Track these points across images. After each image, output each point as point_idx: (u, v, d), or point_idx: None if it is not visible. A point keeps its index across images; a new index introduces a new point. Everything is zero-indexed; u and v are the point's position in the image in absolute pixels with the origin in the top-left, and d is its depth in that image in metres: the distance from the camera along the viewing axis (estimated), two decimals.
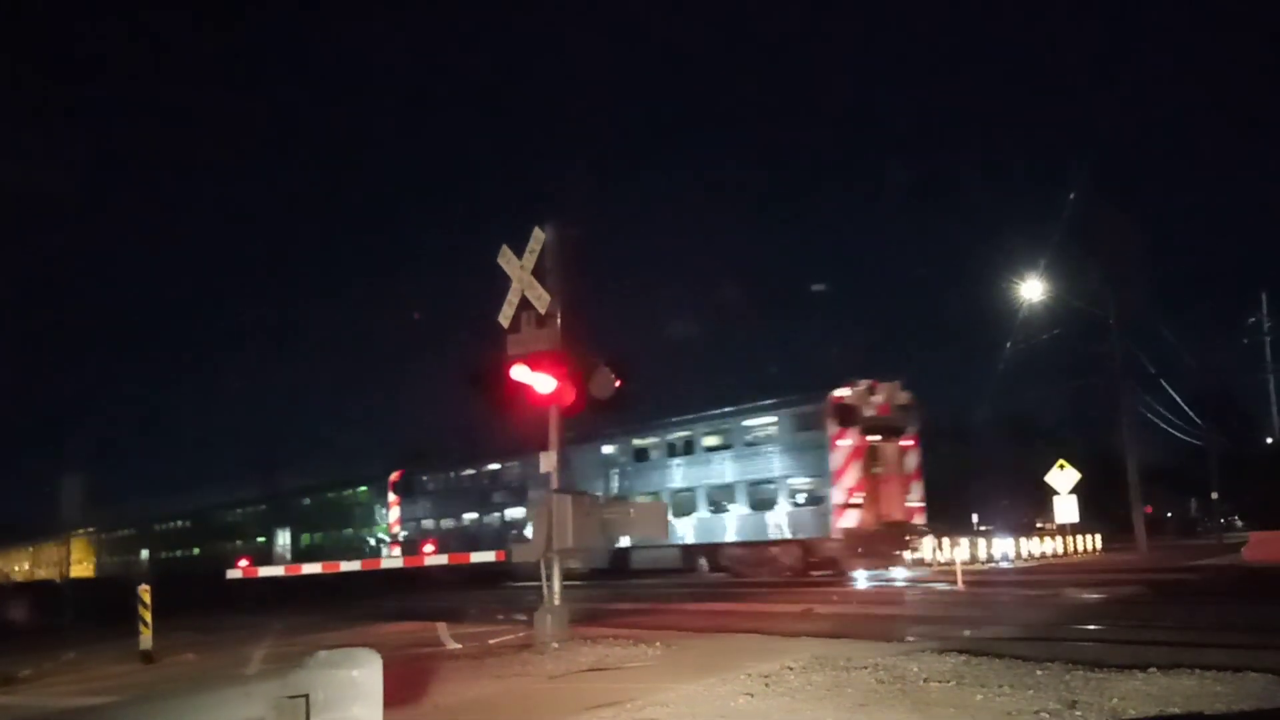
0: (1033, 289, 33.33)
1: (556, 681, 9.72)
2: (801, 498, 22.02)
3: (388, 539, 30.88)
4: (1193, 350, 40.87)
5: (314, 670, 4.17)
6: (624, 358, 13.82)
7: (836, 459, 20.22)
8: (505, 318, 13.42)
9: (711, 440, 24.78)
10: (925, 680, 8.40)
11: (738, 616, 17.57)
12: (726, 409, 24.58)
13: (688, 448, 25.07)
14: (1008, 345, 34.77)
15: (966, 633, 12.61)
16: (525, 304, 13.26)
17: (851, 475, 20.18)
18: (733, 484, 24.17)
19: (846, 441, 19.47)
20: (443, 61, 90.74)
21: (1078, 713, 6.94)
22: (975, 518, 49.51)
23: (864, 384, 19.82)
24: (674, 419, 25.42)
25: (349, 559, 26.15)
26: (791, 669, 9.20)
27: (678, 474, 24.63)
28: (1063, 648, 10.14)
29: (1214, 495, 45.54)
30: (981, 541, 33.90)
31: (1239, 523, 48.00)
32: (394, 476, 31.40)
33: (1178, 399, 39.42)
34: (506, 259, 13.46)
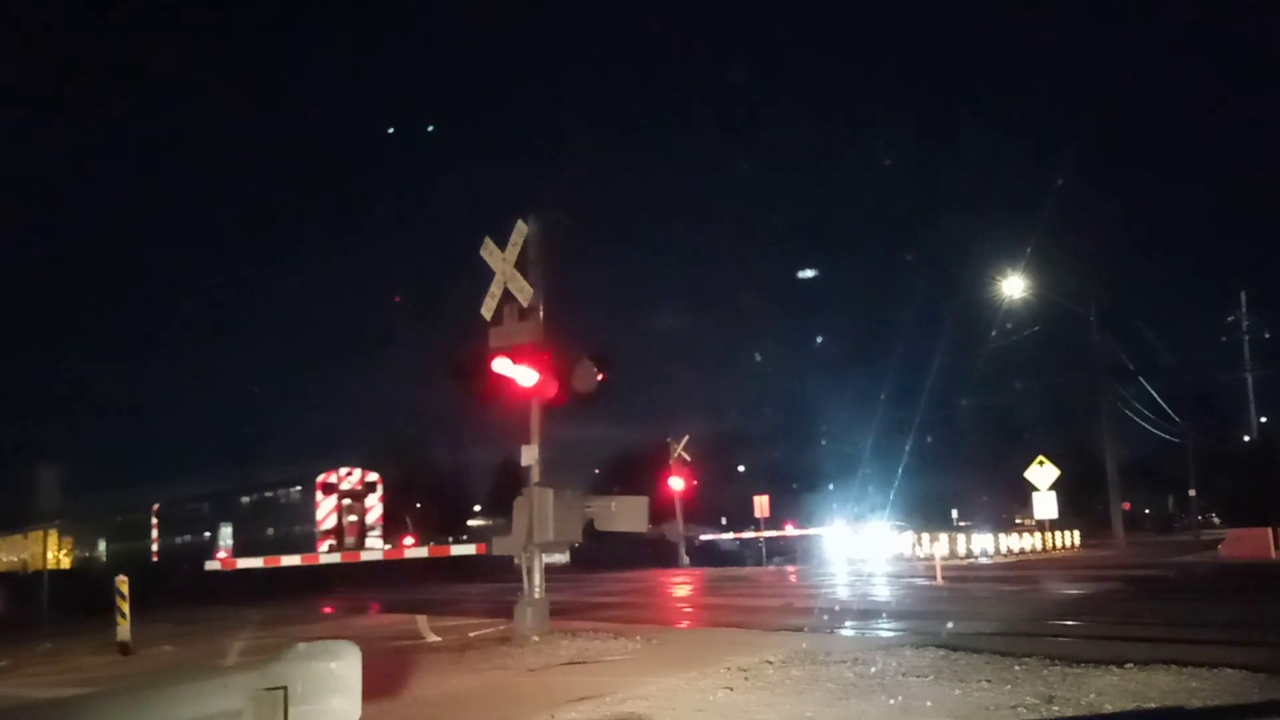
0: (1014, 285, 33.51)
1: (536, 675, 9.72)
2: (309, 534, 31.58)
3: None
4: (1172, 348, 41.15)
5: (292, 662, 4.14)
6: (607, 351, 13.83)
7: (320, 513, 30.33)
8: (488, 310, 13.37)
9: (281, 499, 34.61)
10: (904, 674, 8.43)
11: (719, 610, 17.63)
12: (293, 481, 34.08)
13: (272, 499, 35.08)
14: (991, 334, 34.97)
15: (950, 625, 12.68)
16: (508, 296, 13.22)
17: (328, 522, 30.23)
18: (289, 525, 33.15)
19: (328, 503, 29.82)
20: (426, 50, 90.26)
21: (1055, 707, 6.97)
22: (955, 513, 49.78)
23: (344, 469, 30.04)
24: (264, 485, 36.58)
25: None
26: (771, 663, 9.23)
27: (264, 518, 34.60)
28: (1041, 643, 10.19)
29: (1192, 492, 45.79)
30: (961, 537, 34.10)
31: (1216, 520, 48.39)
32: (155, 506, 39.89)
33: (1157, 396, 39.69)
34: (489, 251, 13.40)
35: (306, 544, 29.60)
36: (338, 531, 29.94)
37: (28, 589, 24.56)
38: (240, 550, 32.91)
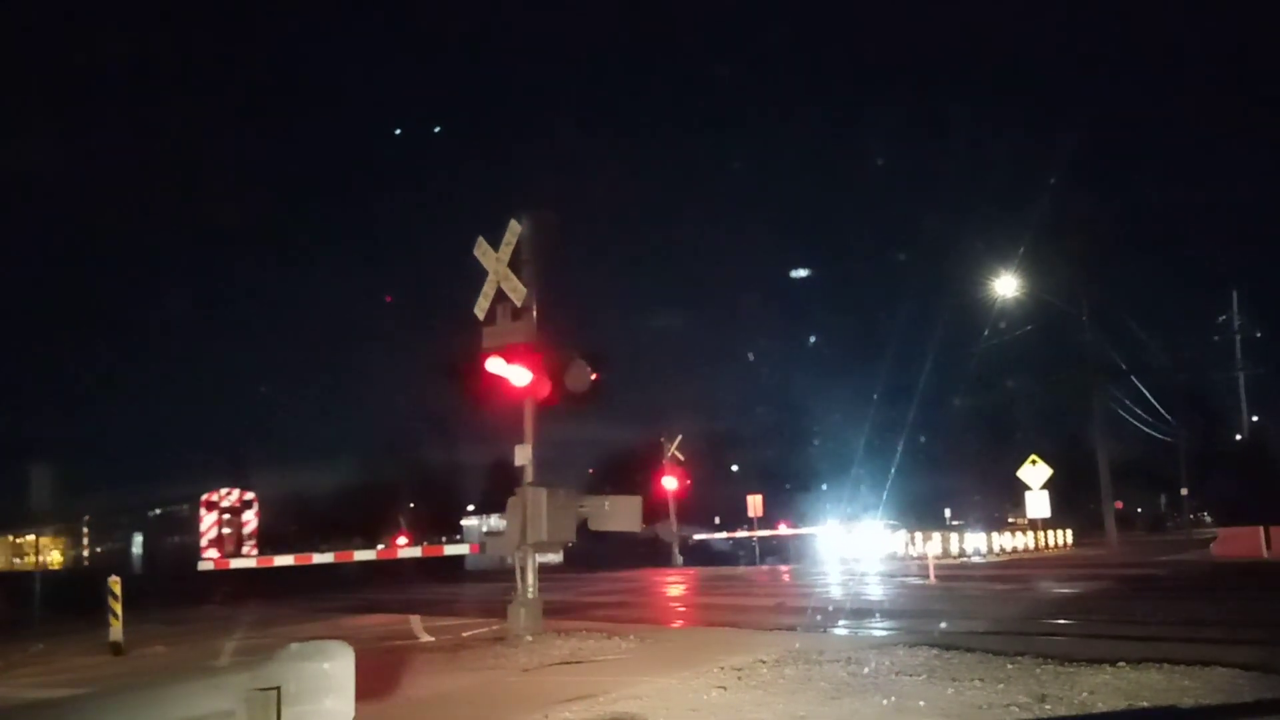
0: (1007, 284, 33.56)
1: (529, 674, 9.71)
2: (196, 544, 34.81)
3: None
4: (1164, 347, 41.24)
5: (285, 662, 4.13)
6: (601, 350, 13.82)
7: (204, 526, 34.02)
8: (481, 310, 13.35)
9: (176, 513, 38.57)
10: (897, 673, 8.44)
11: (713, 610, 17.64)
12: (184, 499, 37.55)
13: (171, 514, 39.34)
14: (984, 334, 35.02)
15: (943, 624, 12.69)
16: (501, 296, 13.20)
17: (210, 534, 33.80)
18: (183, 535, 36.73)
19: (210, 518, 33.72)
20: (419, 50, 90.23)
21: (1047, 706, 6.98)
22: (948, 512, 49.87)
23: (224, 489, 34.19)
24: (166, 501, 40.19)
25: None
26: (764, 662, 9.24)
27: (164, 529, 39.15)
28: (1033, 642, 10.20)
29: (1184, 491, 46.00)
30: (954, 536, 34.18)
31: (1208, 518, 48.51)
32: (85, 516, 44.21)
33: (1149, 396, 39.80)
34: (482, 250, 13.39)
35: (194, 553, 33.39)
36: (218, 541, 34.84)
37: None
38: (148, 557, 38.30)
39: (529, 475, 12.87)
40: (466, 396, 14.19)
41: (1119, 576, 21.08)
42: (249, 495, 35.65)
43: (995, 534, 35.53)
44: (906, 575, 24.02)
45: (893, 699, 7.49)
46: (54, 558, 47.68)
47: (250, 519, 35.68)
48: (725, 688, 8.19)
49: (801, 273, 44.89)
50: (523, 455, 13.02)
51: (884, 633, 12.57)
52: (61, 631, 16.04)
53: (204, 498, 34.85)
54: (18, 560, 49.32)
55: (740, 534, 40.08)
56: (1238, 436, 44.95)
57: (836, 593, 20.84)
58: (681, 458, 39.14)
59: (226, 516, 35.12)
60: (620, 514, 13.80)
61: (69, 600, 20.35)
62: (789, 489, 47.73)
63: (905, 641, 10.55)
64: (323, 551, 31.61)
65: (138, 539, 40.36)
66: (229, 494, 35.34)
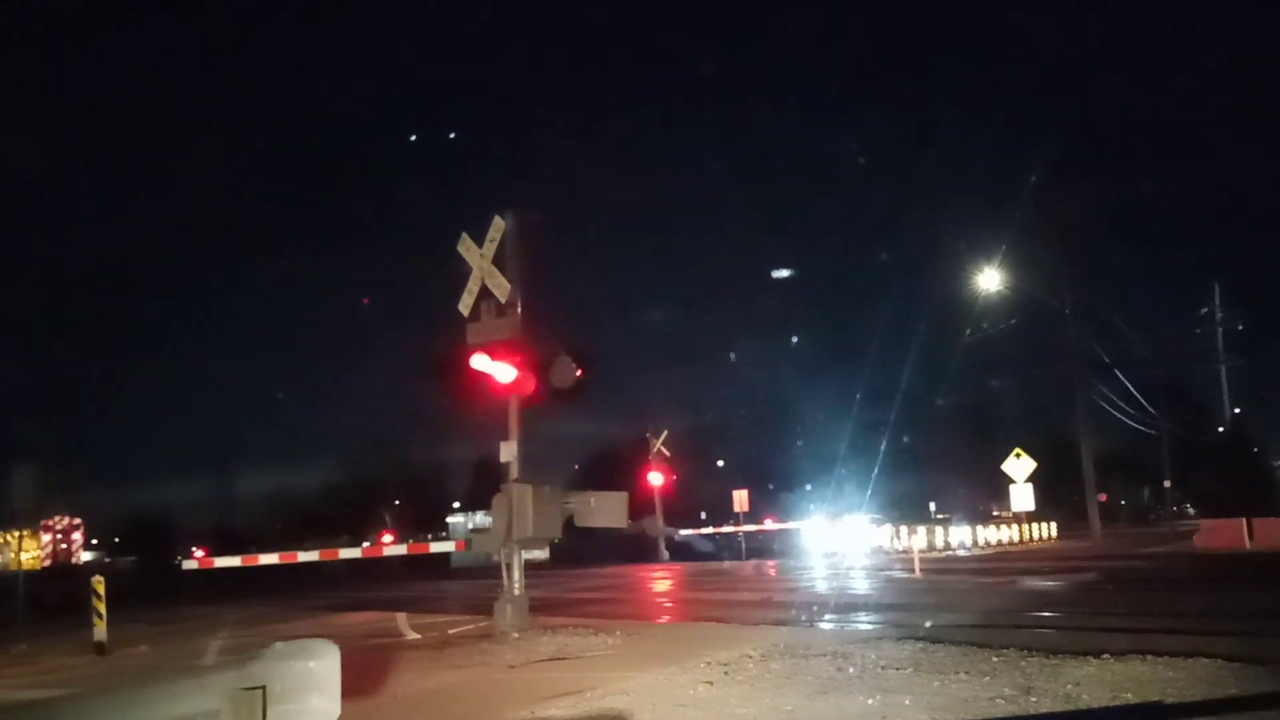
0: (990, 280, 33.66)
1: (516, 671, 9.70)
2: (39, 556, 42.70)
3: None
4: (1147, 341, 41.46)
5: (271, 661, 4.11)
6: (585, 347, 13.81)
7: (42, 542, 40.47)
8: (465, 306, 13.33)
9: (35, 531, 44.43)
10: (883, 667, 8.46)
11: (699, 605, 17.66)
12: (33, 522, 43.67)
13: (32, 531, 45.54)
14: (967, 330, 35.12)
15: (928, 624, 12.72)
16: (485, 292, 13.19)
17: (47, 549, 40.98)
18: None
19: (47, 538, 39.66)
20: (405, 48, 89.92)
21: (1033, 699, 7.01)
22: (933, 506, 50.02)
23: (57, 516, 40.34)
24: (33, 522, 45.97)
25: None
26: (751, 657, 9.25)
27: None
28: (1019, 634, 10.25)
29: (1166, 483, 46.20)
30: (939, 529, 34.25)
31: (1190, 510, 48.80)
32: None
33: (1132, 389, 39.99)
34: (467, 247, 13.37)
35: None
36: (54, 555, 41.99)
37: None
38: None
39: (514, 472, 12.86)
40: (451, 394, 14.18)
41: (1103, 569, 21.14)
42: (77, 520, 43.65)
43: (980, 527, 35.60)
44: (892, 569, 24.05)
45: (879, 693, 7.51)
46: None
47: (77, 538, 43.47)
48: (712, 683, 8.20)
49: (784, 272, 44.94)
50: (508, 452, 13.01)
51: (870, 627, 12.59)
52: (46, 631, 15.98)
53: (43, 522, 42.24)
54: None
55: (726, 529, 40.11)
56: (1220, 429, 45.23)
57: (822, 587, 20.85)
58: (667, 454, 39.16)
59: (59, 536, 42.98)
60: (606, 510, 13.79)
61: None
62: (773, 489, 47.89)
63: (891, 635, 10.58)
64: (307, 550, 31.67)
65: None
66: (61, 520, 43.26)
